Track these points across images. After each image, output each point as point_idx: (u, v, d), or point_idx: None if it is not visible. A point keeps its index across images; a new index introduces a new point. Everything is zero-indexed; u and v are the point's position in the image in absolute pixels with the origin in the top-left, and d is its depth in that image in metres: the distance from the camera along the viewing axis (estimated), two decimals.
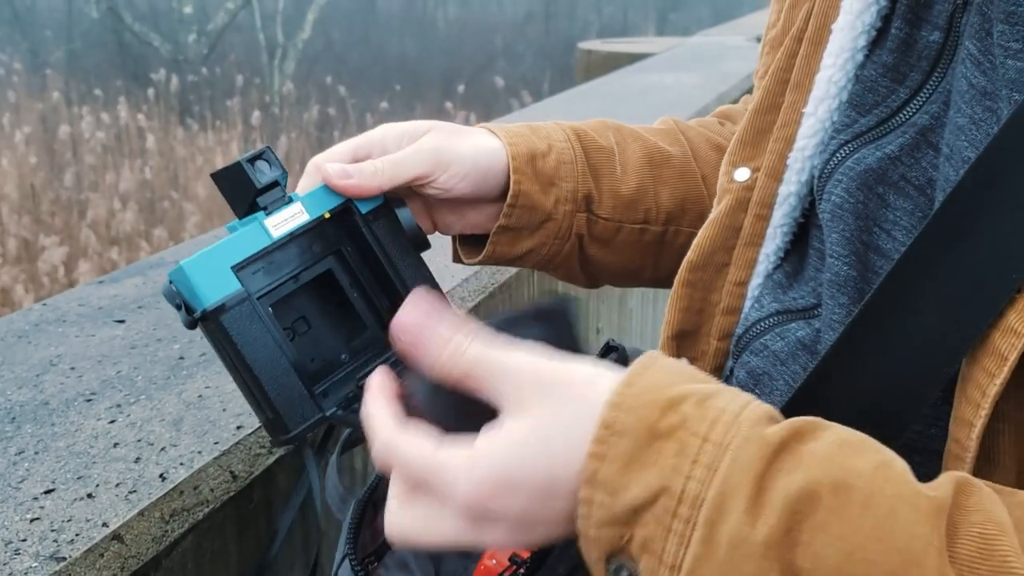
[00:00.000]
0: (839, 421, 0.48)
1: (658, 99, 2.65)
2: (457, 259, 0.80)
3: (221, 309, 0.59)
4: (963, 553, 0.38)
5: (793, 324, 0.59)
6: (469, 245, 0.79)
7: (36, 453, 0.84)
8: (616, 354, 0.75)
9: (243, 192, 0.64)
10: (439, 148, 0.69)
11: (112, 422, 0.89)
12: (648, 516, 0.41)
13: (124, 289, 1.22)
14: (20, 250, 5.65)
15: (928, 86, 0.55)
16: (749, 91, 0.92)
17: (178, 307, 0.61)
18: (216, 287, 0.60)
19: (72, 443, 0.86)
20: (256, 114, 7.94)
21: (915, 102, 0.56)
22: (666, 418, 0.42)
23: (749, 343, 0.61)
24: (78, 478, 0.81)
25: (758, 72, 0.82)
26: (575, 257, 0.78)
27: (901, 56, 0.57)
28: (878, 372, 0.48)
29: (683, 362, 0.46)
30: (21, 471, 0.81)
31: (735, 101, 0.96)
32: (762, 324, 0.61)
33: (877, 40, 0.59)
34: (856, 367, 0.48)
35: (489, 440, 0.45)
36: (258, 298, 0.61)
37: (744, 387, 0.60)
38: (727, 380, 0.64)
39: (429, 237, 0.75)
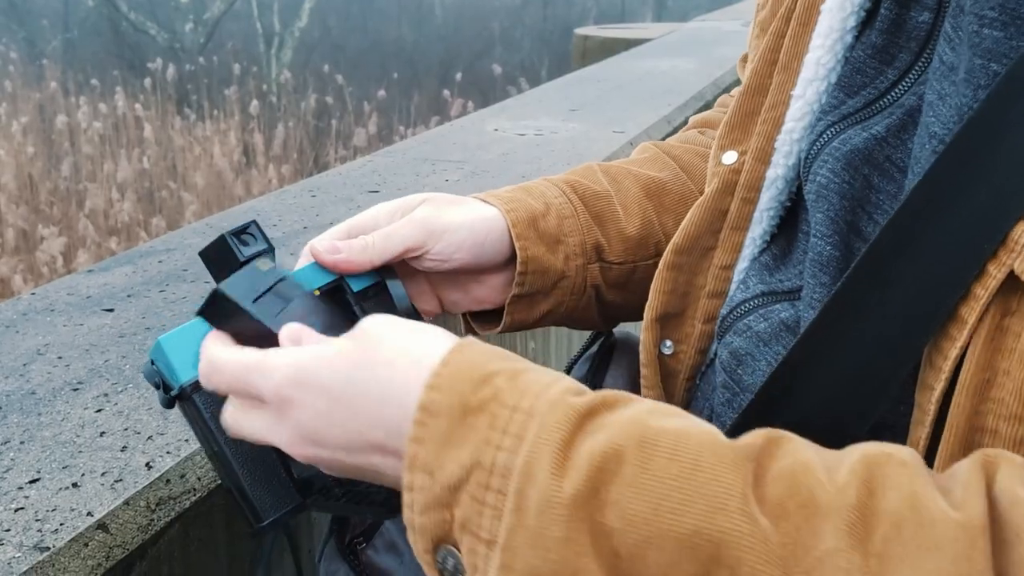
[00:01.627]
0: (818, 397, 0.49)
1: (654, 84, 2.64)
2: (471, 333, 0.77)
3: (196, 386, 0.56)
4: (771, 494, 0.38)
5: (778, 305, 0.59)
6: (481, 320, 0.76)
7: (22, 443, 0.83)
8: (603, 337, 0.75)
9: (227, 267, 0.60)
10: (430, 218, 0.67)
11: (99, 411, 0.89)
12: (464, 494, 0.42)
13: (113, 278, 1.21)
14: (19, 240, 5.65)
15: (917, 67, 0.55)
16: (734, 84, 0.91)
17: (157, 386, 0.58)
18: (194, 363, 0.56)
19: (58, 432, 0.85)
20: (254, 103, 7.91)
21: (903, 83, 0.55)
22: (478, 392, 0.43)
23: (733, 323, 0.61)
24: (63, 467, 0.80)
25: (747, 57, 0.81)
26: (593, 307, 0.75)
27: (891, 37, 0.56)
28: (855, 349, 0.48)
29: (498, 349, 0.47)
30: (6, 461, 0.81)
31: (714, 99, 0.95)
32: (747, 305, 0.60)
33: (867, 21, 0.58)
34: (834, 344, 0.48)
35: (316, 345, 0.50)
36: None
37: (727, 368, 0.59)
38: (713, 362, 0.64)
39: (438, 317, 0.73)
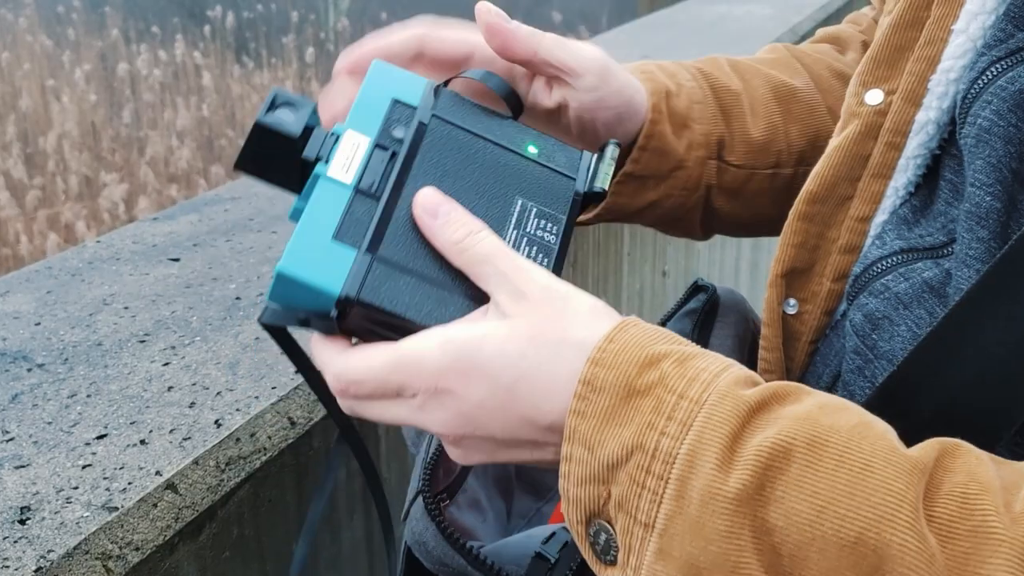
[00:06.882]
0: (974, 371, 0.43)
1: (729, 31, 2.53)
2: None
3: (357, 284, 0.46)
4: (941, 512, 0.37)
5: (919, 264, 0.52)
6: None
7: (89, 396, 0.81)
8: (706, 294, 0.69)
9: (284, 157, 0.50)
10: (607, 60, 0.60)
11: (166, 364, 0.86)
12: (623, 473, 0.41)
13: (179, 226, 1.18)
14: (82, 187, 5.70)
15: None
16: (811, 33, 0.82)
17: (304, 323, 0.48)
18: (333, 269, 0.47)
19: (125, 386, 0.82)
20: (311, 51, 7.87)
21: None
22: (645, 375, 0.42)
23: (868, 283, 0.54)
24: (131, 423, 0.77)
25: None
26: (699, 210, 0.69)
27: None
28: (1022, 321, 0.42)
29: (661, 329, 0.45)
30: (73, 415, 0.78)
31: (811, 33, 0.86)
32: (884, 263, 0.54)
33: None
34: (997, 311, 0.42)
35: (470, 326, 0.46)
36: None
37: (859, 332, 0.53)
38: (838, 324, 0.58)
39: None
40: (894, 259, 0.54)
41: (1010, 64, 0.49)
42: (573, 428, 0.42)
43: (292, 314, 0.48)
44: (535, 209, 0.52)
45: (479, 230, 0.48)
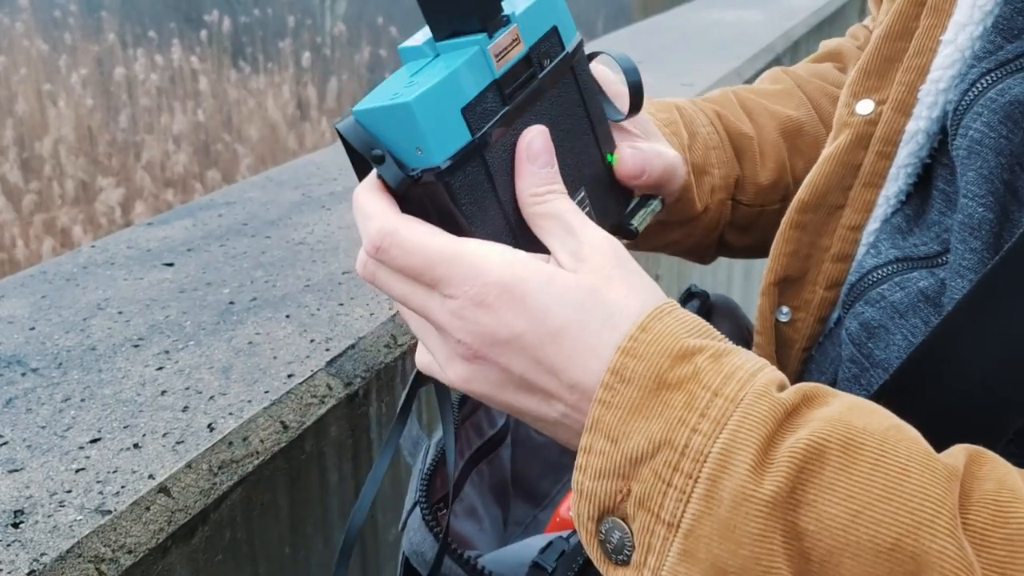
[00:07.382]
0: (970, 379, 0.44)
1: (722, 36, 2.55)
2: None
3: (453, 167, 0.43)
4: (976, 520, 0.36)
5: (914, 273, 0.53)
6: None
7: (82, 400, 0.81)
8: (699, 301, 0.70)
9: (470, 4, 0.46)
10: (678, 164, 0.60)
11: (160, 369, 0.86)
12: (647, 470, 0.39)
13: (173, 231, 1.19)
14: (78, 191, 5.71)
15: None
16: (804, 37, 0.83)
17: (379, 159, 0.44)
18: (446, 137, 0.44)
19: (119, 390, 0.83)
20: (307, 56, 7.89)
21: None
22: (677, 368, 0.40)
23: (864, 292, 0.55)
24: (124, 427, 0.78)
25: None
26: (713, 244, 0.72)
27: None
28: (1014, 330, 0.42)
29: (697, 319, 0.44)
30: (67, 419, 0.79)
31: (784, 52, 0.87)
32: (879, 272, 0.55)
33: None
34: (989, 322, 0.43)
35: (533, 260, 0.44)
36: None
37: (855, 340, 0.54)
38: (832, 332, 0.59)
39: None
40: (889, 268, 0.54)
41: (1000, 76, 0.49)
42: (596, 418, 0.41)
43: (371, 142, 0.45)
44: (589, 208, 0.53)
45: (561, 191, 0.48)
